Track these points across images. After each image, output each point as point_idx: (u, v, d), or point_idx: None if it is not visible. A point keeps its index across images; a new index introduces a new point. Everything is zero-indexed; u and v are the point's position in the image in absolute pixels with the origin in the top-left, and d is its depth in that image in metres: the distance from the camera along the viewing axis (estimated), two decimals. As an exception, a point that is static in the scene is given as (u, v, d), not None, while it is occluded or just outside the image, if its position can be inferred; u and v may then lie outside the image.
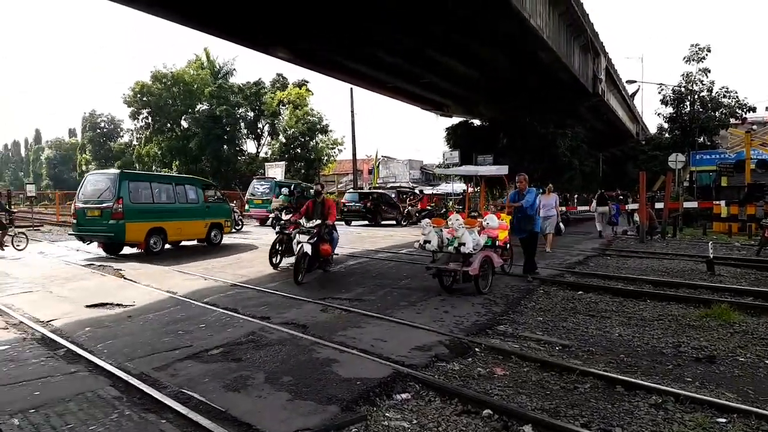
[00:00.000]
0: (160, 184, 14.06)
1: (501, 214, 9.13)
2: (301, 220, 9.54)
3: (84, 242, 13.52)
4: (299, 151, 40.54)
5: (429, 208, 28.35)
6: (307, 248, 8.91)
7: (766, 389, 4.61)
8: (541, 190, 13.95)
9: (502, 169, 10.46)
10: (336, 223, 10.19)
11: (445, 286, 8.40)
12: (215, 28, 16.45)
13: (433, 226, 8.33)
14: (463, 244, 7.82)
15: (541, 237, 13.26)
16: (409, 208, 28.07)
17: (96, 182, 13.20)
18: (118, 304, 7.57)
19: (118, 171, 13.95)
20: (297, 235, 9.24)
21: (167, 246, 13.61)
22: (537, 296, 8.57)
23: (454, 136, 31.43)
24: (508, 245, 9.65)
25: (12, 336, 6.07)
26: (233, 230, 17.49)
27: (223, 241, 15.49)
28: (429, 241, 8.20)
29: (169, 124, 41.72)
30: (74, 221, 13.04)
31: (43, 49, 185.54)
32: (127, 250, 13.29)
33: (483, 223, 8.53)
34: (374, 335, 5.97)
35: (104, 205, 12.39)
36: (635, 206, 20.56)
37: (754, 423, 3.86)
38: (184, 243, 14.77)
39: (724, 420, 3.92)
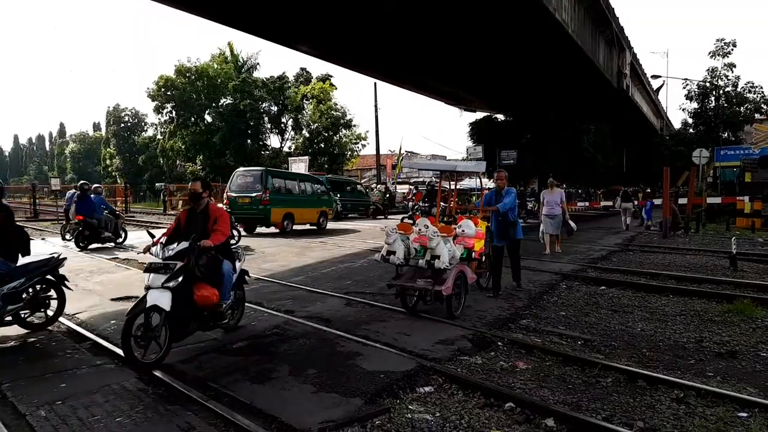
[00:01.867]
0: (290, 180, 18.16)
1: (478, 220, 7.59)
2: (154, 248, 5.30)
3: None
4: (323, 145, 40.62)
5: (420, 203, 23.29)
6: (162, 300, 4.77)
7: (788, 385, 4.59)
8: (522, 188, 13.64)
9: (480, 166, 8.80)
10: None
11: (408, 308, 6.85)
12: (238, 22, 16.59)
13: (400, 233, 6.63)
14: (438, 257, 6.21)
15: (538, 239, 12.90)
16: (409, 203, 27.99)
17: (244, 177, 16.89)
18: (143, 297, 7.71)
19: (263, 168, 17.85)
20: (146, 273, 5.05)
21: (295, 227, 17.46)
22: (559, 291, 8.60)
23: (477, 132, 31.33)
24: (483, 257, 7.86)
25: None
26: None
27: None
28: (394, 252, 6.50)
29: (192, 119, 41.97)
30: (226, 207, 15.75)
31: (69, 43, 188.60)
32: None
33: (457, 230, 6.89)
34: (397, 329, 6.05)
35: (254, 194, 16.17)
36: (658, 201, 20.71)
37: (775, 418, 3.86)
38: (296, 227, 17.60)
39: (745, 414, 3.94)
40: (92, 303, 7.36)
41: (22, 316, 5.89)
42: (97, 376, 4.62)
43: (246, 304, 7.17)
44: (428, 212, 11.94)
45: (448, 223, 7.59)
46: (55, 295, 6.10)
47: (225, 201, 16.60)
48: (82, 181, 14.75)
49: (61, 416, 3.81)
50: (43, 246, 13.27)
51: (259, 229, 17.42)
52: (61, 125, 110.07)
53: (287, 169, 29.24)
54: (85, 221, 13.24)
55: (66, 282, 6.16)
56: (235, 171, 17.93)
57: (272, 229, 18.23)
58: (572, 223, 12.81)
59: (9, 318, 5.65)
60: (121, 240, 14.21)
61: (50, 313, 6.11)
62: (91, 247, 13.34)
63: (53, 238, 16.10)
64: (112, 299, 7.60)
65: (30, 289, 5.81)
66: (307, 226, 18.46)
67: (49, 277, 5.99)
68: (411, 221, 7.46)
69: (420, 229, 6.40)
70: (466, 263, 7.08)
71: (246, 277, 6.39)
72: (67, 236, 14.21)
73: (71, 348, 5.45)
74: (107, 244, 13.79)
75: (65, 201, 15.17)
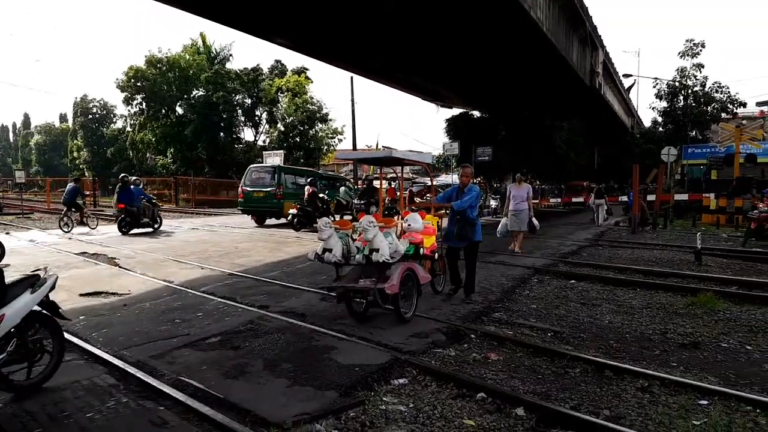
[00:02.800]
0: (299, 176, 19.91)
1: (426, 215, 7.06)
2: None
3: (248, 215, 19.02)
4: (298, 139, 40.26)
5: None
6: None
7: (746, 373, 4.80)
8: (498, 185, 13.59)
9: (425, 157, 8.02)
10: None
11: (355, 313, 6.22)
12: (214, 13, 16.33)
13: (336, 229, 6.06)
14: (376, 250, 5.67)
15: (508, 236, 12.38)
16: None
17: (259, 172, 18.81)
18: (113, 293, 7.59)
19: (277, 165, 20.12)
20: None
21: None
22: (531, 285, 8.76)
23: (454, 128, 31.50)
24: (437, 254, 7.28)
25: (4, 325, 6.11)
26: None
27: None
28: (330, 250, 5.89)
29: (163, 111, 41.13)
30: (241, 200, 18.73)
31: (34, 30, 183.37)
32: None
33: (404, 224, 6.31)
34: (373, 323, 6.09)
35: (268, 189, 18.15)
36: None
37: (734, 405, 4.04)
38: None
39: (706, 402, 4.09)
40: (61, 298, 7.18)
41: (4, 373, 3.97)
42: (67, 372, 4.54)
43: (219, 299, 7.19)
44: (366, 210, 10.93)
45: (390, 215, 7.37)
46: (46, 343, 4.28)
47: (240, 194, 18.45)
48: (122, 174, 16.45)
49: (30, 412, 3.77)
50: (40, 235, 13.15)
51: (233, 222, 18.07)
52: (26, 116, 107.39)
53: (262, 163, 29.10)
54: (126, 209, 15.04)
55: (60, 313, 4.42)
56: (249, 167, 19.83)
57: (249, 224, 18.18)
58: (536, 221, 12.22)
59: None
60: (157, 226, 16.05)
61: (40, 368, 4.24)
62: (132, 232, 15.10)
63: (54, 230, 15.94)
64: (81, 294, 7.50)
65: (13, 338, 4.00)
66: (283, 220, 18.29)
67: (36, 308, 4.15)
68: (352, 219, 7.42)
69: (359, 225, 5.80)
70: (417, 261, 6.53)
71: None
72: (65, 228, 15.34)
73: (39, 344, 5.35)
74: (146, 229, 15.61)
75: (65, 193, 16.39)
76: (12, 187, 40.95)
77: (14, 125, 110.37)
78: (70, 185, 16.56)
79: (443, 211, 7.45)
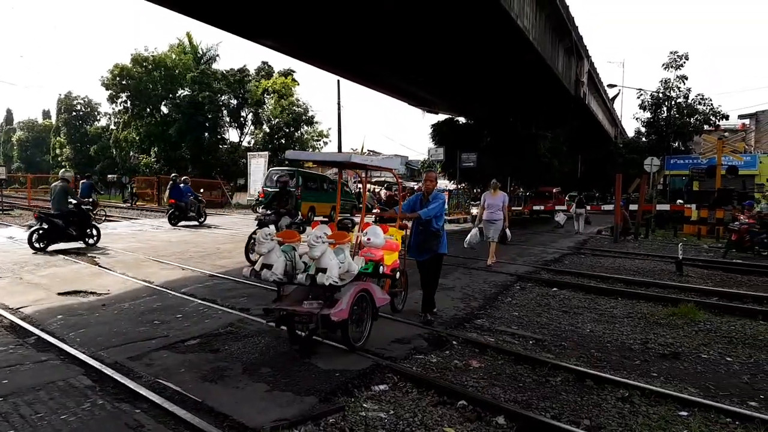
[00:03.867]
0: (313, 180, 21.99)
1: (389, 228, 6.21)
2: None
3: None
4: (283, 141, 40.09)
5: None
6: None
7: (726, 385, 4.83)
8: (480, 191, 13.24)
9: (392, 162, 7.06)
10: None
11: (298, 340, 5.30)
12: (202, 14, 16.22)
13: (278, 241, 5.07)
14: (323, 271, 4.77)
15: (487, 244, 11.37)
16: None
17: (279, 175, 19.28)
18: (91, 292, 7.48)
19: (295, 169, 21.81)
20: None
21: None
22: (513, 292, 8.78)
23: (439, 134, 31.58)
24: (398, 273, 6.21)
25: (-20, 323, 5.98)
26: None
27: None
28: (269, 266, 4.94)
29: (148, 109, 40.74)
30: (262, 199, 19.17)
31: (20, 26, 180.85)
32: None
33: (362, 238, 5.59)
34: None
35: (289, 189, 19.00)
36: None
37: (713, 416, 4.06)
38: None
39: (686, 413, 4.11)
40: (38, 297, 7.11)
41: None
42: (42, 373, 4.48)
43: (199, 301, 7.10)
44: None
45: (345, 228, 5.93)
46: None
47: (260, 194, 19.59)
48: (173, 174, 19.15)
49: (2, 413, 3.70)
50: None
51: (216, 222, 18.48)
52: (8, 112, 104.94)
53: (246, 164, 29.26)
54: (176, 204, 17.27)
55: None
56: (270, 170, 22.16)
57: (231, 226, 18.05)
58: (508, 232, 11.32)
59: None
60: (202, 220, 17.91)
61: None
62: (180, 224, 17.03)
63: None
64: (59, 293, 7.37)
65: None
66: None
67: None
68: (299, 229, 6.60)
69: (310, 243, 4.78)
70: (376, 280, 5.84)
71: None
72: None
73: (15, 343, 5.27)
74: (192, 222, 17.51)
75: (80, 190, 16.19)
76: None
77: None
78: (83, 182, 16.51)
79: (408, 223, 6.65)
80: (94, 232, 12.18)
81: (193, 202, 17.58)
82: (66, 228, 11.30)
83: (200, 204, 18.04)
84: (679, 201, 22.93)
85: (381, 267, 5.55)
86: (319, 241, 4.73)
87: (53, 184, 12.36)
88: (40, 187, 46.17)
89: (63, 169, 13.24)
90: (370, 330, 5.44)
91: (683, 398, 4.33)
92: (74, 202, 11.69)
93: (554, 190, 29.82)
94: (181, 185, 17.50)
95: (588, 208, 23.58)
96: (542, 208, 27.54)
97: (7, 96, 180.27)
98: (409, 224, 6.66)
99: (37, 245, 10.95)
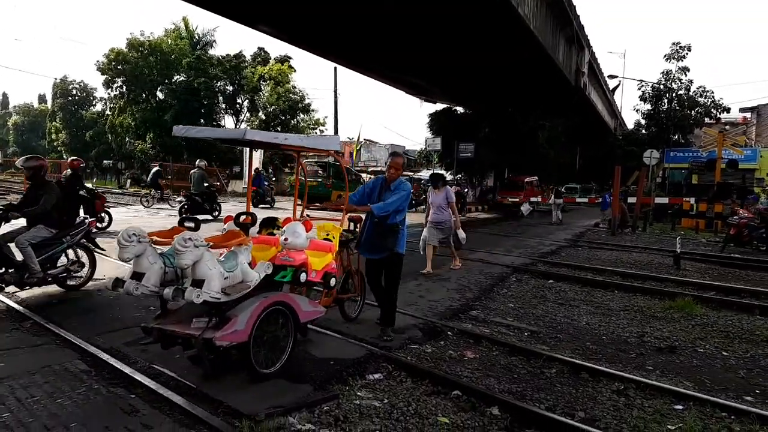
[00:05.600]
0: (341, 171, 22.75)
1: (311, 224, 4.67)
2: None
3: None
4: (279, 129, 39.81)
5: None
6: None
7: (722, 379, 4.83)
8: (478, 181, 12.46)
9: (331, 142, 5.38)
10: None
11: (200, 361, 4.11)
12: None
13: (152, 244, 3.93)
14: (200, 283, 3.69)
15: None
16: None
17: (312, 166, 23.64)
18: (88, 277, 7.44)
19: (327, 161, 24.31)
20: None
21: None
22: (509, 284, 8.77)
23: (437, 123, 31.47)
24: (333, 278, 4.84)
25: (-26, 307, 5.95)
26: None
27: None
28: (139, 275, 3.82)
29: (144, 95, 40.42)
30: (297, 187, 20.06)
31: (14, 9, 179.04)
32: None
33: (281, 238, 4.35)
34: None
35: (320, 179, 23.42)
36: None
37: (708, 410, 4.06)
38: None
39: (681, 407, 4.11)
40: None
41: (61, 277, 6.51)
42: (38, 357, 4.48)
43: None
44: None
45: (269, 226, 4.96)
46: (86, 260, 6.86)
47: (296, 183, 19.86)
48: (255, 165, 20.79)
49: (-2, 396, 3.69)
50: None
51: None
52: (4, 96, 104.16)
53: (241, 152, 29.45)
54: (256, 191, 20.32)
55: (97, 246, 7.13)
56: (305, 161, 23.35)
57: (232, 211, 17.97)
58: (462, 233, 9.17)
59: (50, 279, 6.36)
60: (271, 204, 21.40)
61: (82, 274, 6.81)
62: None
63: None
64: (55, 278, 7.30)
65: (69, 253, 6.65)
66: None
67: (83, 241, 6.83)
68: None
69: (176, 248, 3.61)
70: (308, 290, 4.96)
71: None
72: (145, 203, 19.46)
73: (10, 328, 5.25)
74: (266, 206, 20.40)
75: (150, 176, 21.01)
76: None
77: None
78: (154, 169, 20.65)
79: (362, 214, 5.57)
80: (217, 207, 16.14)
81: (267, 189, 21.21)
82: (203, 204, 15.39)
83: (271, 191, 21.75)
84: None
85: (303, 273, 4.33)
86: (189, 246, 3.56)
87: (192, 171, 16.79)
88: (37, 171, 45.89)
89: (199, 160, 17.64)
90: (290, 351, 4.38)
91: (679, 392, 4.32)
92: (206, 184, 15.92)
93: (527, 180, 28.60)
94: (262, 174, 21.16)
95: (563, 199, 24.79)
96: (516, 199, 26.38)
97: (3, 80, 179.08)
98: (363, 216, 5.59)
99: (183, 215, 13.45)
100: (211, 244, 3.88)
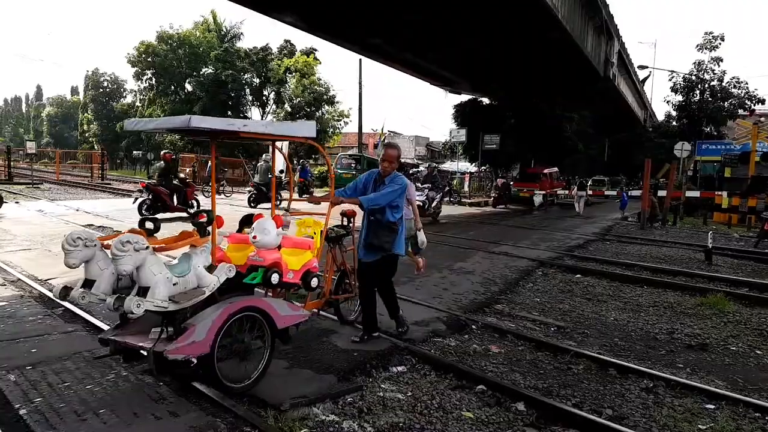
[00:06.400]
0: (374, 164, 23.42)
1: (282, 220, 4.16)
2: None
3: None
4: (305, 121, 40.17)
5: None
6: None
7: (755, 378, 4.70)
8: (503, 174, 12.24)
9: (302, 128, 4.36)
10: None
11: (166, 376, 3.76)
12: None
13: (102, 248, 3.41)
14: (144, 290, 3.31)
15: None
16: None
17: (347, 159, 26.18)
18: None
19: (360, 155, 27.29)
20: None
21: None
22: (535, 278, 8.66)
23: (462, 114, 31.28)
24: (315, 278, 4.30)
25: (9, 293, 6.12)
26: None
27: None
28: (90, 283, 3.34)
29: (173, 87, 41.12)
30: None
31: (48, 4, 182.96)
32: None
33: (250, 237, 3.92)
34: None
35: (354, 172, 24.24)
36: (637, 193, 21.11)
37: (741, 410, 3.94)
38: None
39: (712, 406, 4.00)
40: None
41: None
42: (69, 343, 4.56)
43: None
44: None
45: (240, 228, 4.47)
46: None
47: (331, 175, 20.59)
48: (302, 160, 24.06)
49: (30, 381, 3.77)
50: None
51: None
52: (38, 88, 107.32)
53: (268, 145, 29.80)
54: (303, 182, 22.75)
55: None
56: (340, 155, 27.49)
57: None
58: (422, 236, 6.61)
59: None
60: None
61: None
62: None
63: (62, 201, 15.80)
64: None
65: None
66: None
67: None
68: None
69: (114, 252, 3.21)
70: (287, 292, 4.47)
71: None
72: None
73: (43, 313, 5.37)
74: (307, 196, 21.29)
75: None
76: (23, 157, 41.12)
77: (27, 96, 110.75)
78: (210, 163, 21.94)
79: (353, 207, 5.17)
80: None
81: (310, 182, 23.70)
82: (267, 193, 15.68)
83: (311, 182, 24.93)
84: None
85: (275, 274, 3.85)
86: (128, 249, 3.16)
87: (258, 164, 17.83)
88: (69, 162, 47.04)
89: (265, 154, 19.09)
90: (268, 362, 3.91)
91: (710, 391, 4.21)
92: (276, 174, 16.80)
93: (545, 171, 27.46)
94: (307, 167, 23.97)
95: (590, 192, 25.21)
96: (533, 191, 25.25)
97: (37, 72, 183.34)
98: (353, 208, 5.17)
99: (252, 204, 16.07)
100: (156, 246, 3.52)
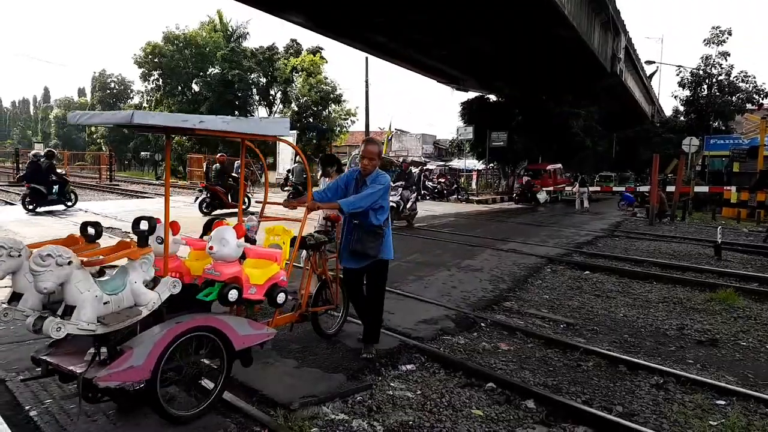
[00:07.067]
0: (386, 163, 22.38)
1: (244, 229, 3.68)
2: None
3: None
4: (311, 120, 40.17)
5: None
6: None
7: (766, 373, 4.68)
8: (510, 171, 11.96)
9: (273, 126, 3.87)
10: None
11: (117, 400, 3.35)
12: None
13: (27, 253, 2.97)
14: (71, 309, 2.84)
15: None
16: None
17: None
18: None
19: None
20: None
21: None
22: (544, 274, 8.63)
23: (468, 112, 31.22)
24: (281, 292, 3.80)
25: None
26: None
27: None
28: (16, 297, 2.98)
29: (180, 87, 41.24)
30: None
31: (54, 6, 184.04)
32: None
33: (207, 247, 3.42)
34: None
35: None
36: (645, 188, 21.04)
37: (752, 406, 3.93)
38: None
39: (723, 402, 3.99)
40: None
41: None
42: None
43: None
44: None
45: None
46: None
47: (309, 177, 22.95)
48: (298, 158, 19.72)
49: (40, 383, 3.73)
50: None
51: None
52: (46, 89, 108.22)
53: (274, 143, 29.89)
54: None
55: None
56: (353, 154, 24.61)
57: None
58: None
59: None
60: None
61: None
62: None
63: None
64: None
65: None
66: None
67: None
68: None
69: (32, 267, 2.73)
70: (248, 310, 3.93)
71: None
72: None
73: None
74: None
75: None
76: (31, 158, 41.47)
77: (34, 98, 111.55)
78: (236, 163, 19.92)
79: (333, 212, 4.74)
80: None
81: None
82: (303, 192, 14.86)
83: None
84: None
85: (233, 291, 3.39)
86: (48, 264, 2.71)
87: (294, 165, 17.72)
88: (77, 163, 47.31)
89: (297, 156, 18.53)
90: (221, 386, 3.50)
91: (721, 386, 4.20)
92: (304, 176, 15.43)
93: (548, 168, 27.92)
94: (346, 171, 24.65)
95: (590, 189, 25.17)
96: (536, 188, 25.95)
97: (44, 74, 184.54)
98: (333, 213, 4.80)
99: (204, 210, 14.45)
100: (87, 259, 3.03)
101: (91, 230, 3.31)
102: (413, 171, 16.01)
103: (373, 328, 4.64)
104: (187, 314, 3.36)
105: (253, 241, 4.16)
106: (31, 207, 13.38)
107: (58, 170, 14.68)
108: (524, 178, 27.62)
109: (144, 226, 3.14)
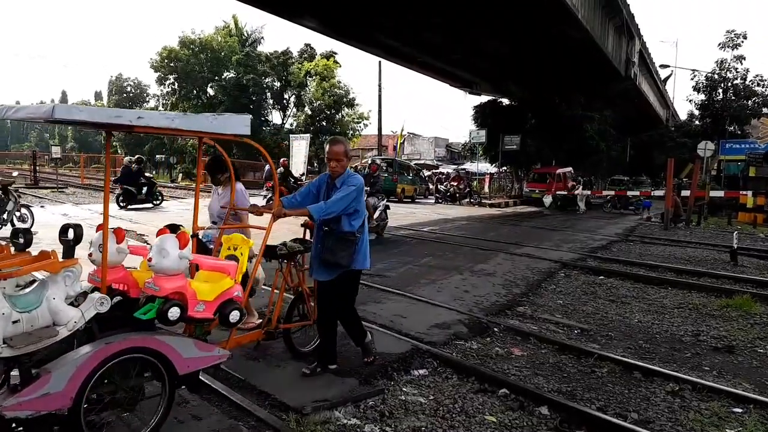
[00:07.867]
0: (404, 167, 28.13)
1: (188, 236, 3.22)
2: None
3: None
4: (324, 123, 40.39)
5: None
6: None
7: (785, 382, 4.59)
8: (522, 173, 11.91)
9: (230, 123, 3.33)
10: None
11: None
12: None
13: None
14: None
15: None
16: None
17: (381, 163, 25.48)
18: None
19: (393, 158, 28.40)
20: None
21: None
22: (558, 279, 8.58)
23: (481, 115, 31.18)
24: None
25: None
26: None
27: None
28: None
29: (195, 91, 41.66)
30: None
31: (73, 10, 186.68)
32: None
33: (149, 258, 3.10)
34: (394, 311, 6.02)
35: (385, 174, 24.00)
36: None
37: (771, 414, 3.87)
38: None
39: (740, 410, 3.93)
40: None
41: None
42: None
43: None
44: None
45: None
46: None
47: (276, 182, 23.56)
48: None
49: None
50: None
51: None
52: (63, 93, 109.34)
53: (288, 146, 30.34)
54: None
55: None
56: (373, 157, 27.52)
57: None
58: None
59: None
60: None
61: None
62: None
63: (86, 204, 16.10)
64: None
65: None
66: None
67: None
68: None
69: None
70: (199, 330, 3.47)
71: None
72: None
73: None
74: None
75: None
76: (48, 162, 42.02)
77: (52, 101, 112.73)
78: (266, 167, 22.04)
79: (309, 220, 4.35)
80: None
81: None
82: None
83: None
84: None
85: (174, 308, 3.01)
86: None
87: (267, 168, 19.06)
88: (93, 166, 47.82)
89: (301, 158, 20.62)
90: (164, 414, 3.17)
91: (738, 394, 4.14)
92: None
93: (558, 171, 27.38)
94: (376, 175, 25.90)
95: (589, 192, 26.75)
96: (544, 191, 25.85)
97: (62, 77, 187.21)
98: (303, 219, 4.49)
99: (121, 204, 15.45)
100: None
101: (20, 238, 2.91)
102: (379, 175, 13.52)
103: (353, 330, 4.39)
104: (121, 333, 2.95)
105: (209, 252, 3.89)
106: (123, 204, 15.52)
107: (146, 174, 16.59)
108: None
109: (71, 234, 2.80)
